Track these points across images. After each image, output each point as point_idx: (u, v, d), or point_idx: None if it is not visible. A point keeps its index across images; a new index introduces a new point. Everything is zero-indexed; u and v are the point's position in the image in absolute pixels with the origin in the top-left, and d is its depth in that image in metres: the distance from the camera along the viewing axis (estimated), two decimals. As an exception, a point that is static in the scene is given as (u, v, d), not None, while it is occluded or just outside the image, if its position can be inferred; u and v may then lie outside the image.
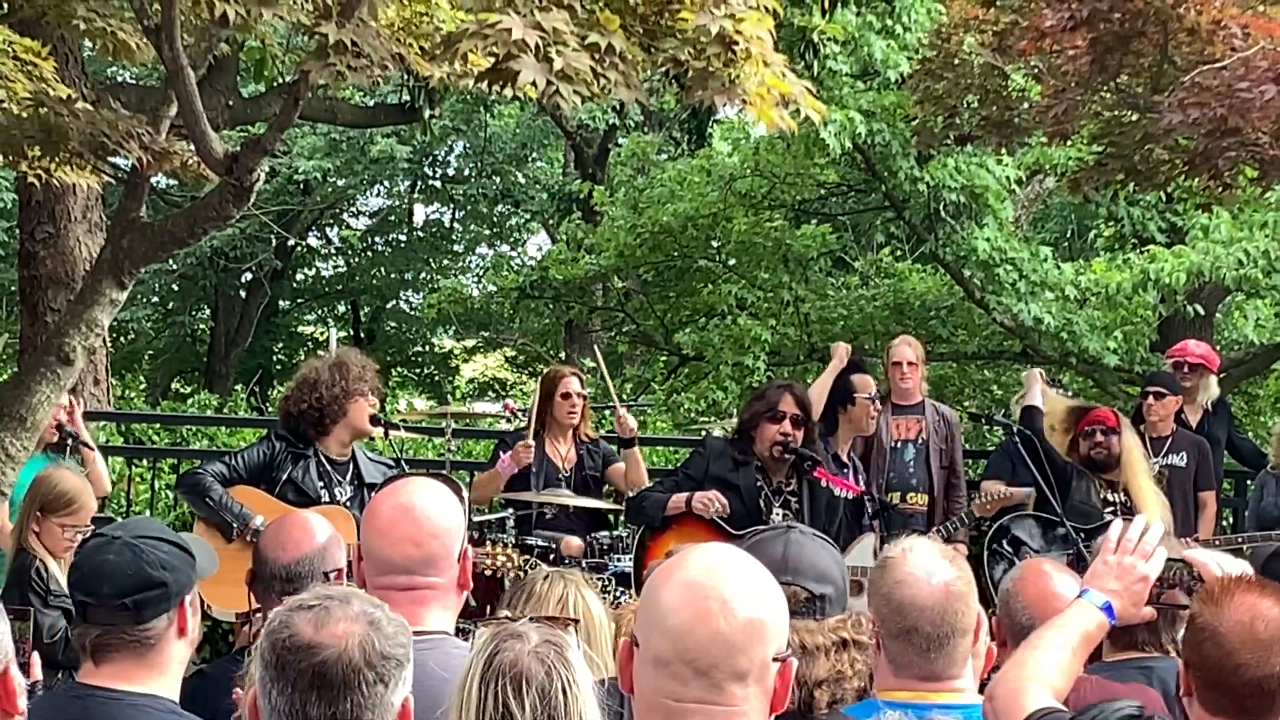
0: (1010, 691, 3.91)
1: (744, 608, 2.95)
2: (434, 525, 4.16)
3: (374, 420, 9.03)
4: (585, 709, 3.28)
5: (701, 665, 2.94)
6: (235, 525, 8.58)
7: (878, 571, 4.22)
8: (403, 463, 9.51)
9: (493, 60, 6.10)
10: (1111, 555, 4.16)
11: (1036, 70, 11.72)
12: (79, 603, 4.22)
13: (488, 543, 8.81)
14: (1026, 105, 11.95)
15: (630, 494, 9.72)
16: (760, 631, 2.96)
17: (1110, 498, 10.17)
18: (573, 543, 9.51)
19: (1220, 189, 11.10)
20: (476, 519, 9.61)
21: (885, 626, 4.12)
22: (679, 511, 9.17)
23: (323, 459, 8.80)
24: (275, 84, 14.70)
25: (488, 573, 8.49)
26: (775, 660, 2.99)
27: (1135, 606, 4.13)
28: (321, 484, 8.71)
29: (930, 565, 4.14)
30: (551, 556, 9.22)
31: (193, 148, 7.38)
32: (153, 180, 8.32)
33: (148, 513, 12.24)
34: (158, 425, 14.53)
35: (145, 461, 12.97)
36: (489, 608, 7.51)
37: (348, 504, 8.66)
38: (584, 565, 9.16)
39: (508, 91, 6.23)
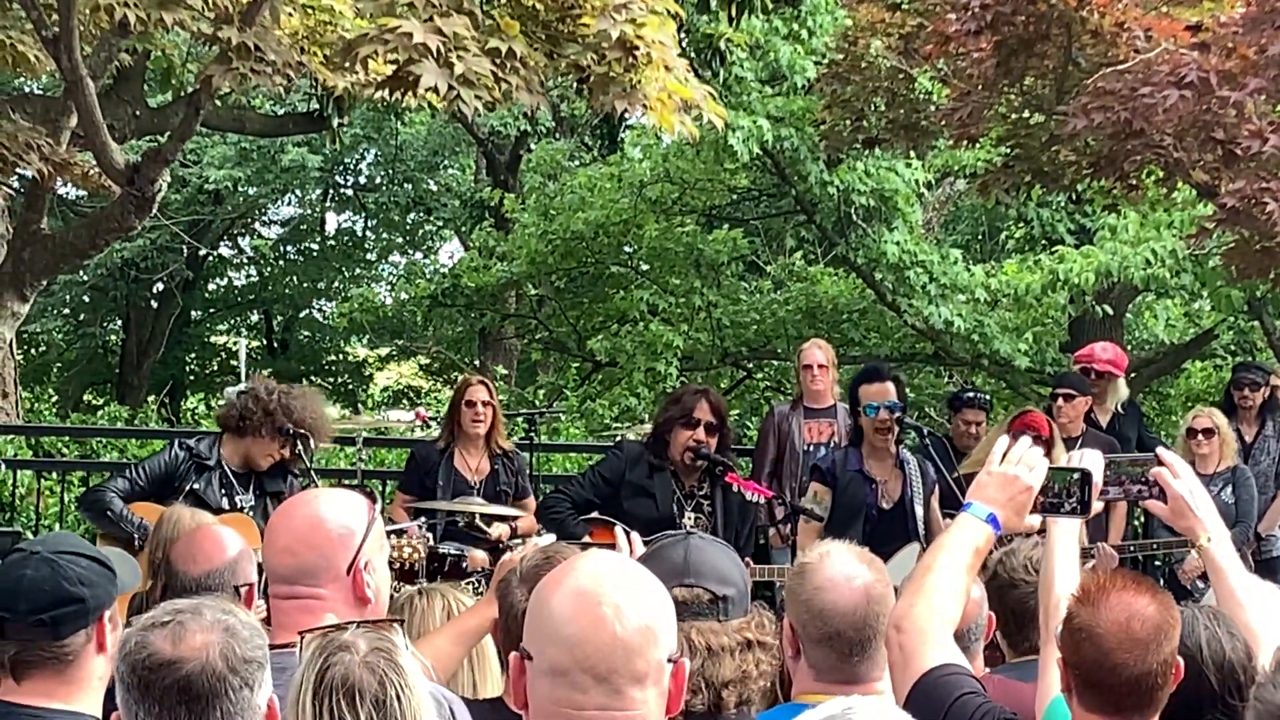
0: (918, 631, 3.92)
1: (637, 612, 2.94)
2: (316, 536, 4.08)
3: (283, 432, 8.89)
4: (420, 711, 3.27)
5: (601, 671, 2.93)
6: (136, 536, 8.43)
7: (796, 578, 4.21)
8: (312, 471, 9.42)
9: (394, 66, 6.08)
10: (996, 467, 4.17)
11: (942, 74, 11.78)
12: None
13: (393, 537, 8.78)
14: (933, 108, 12.01)
15: (546, 495, 9.69)
16: (654, 633, 2.96)
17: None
18: (477, 556, 9.45)
19: (1126, 190, 11.18)
20: (388, 529, 9.54)
21: (806, 632, 4.11)
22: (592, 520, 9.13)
23: (226, 470, 8.73)
24: (182, 94, 14.56)
25: (397, 565, 8.47)
26: (669, 661, 2.99)
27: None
28: (223, 493, 8.64)
29: (849, 569, 4.13)
30: (464, 565, 9.19)
31: (94, 159, 7.31)
32: (62, 191, 8.26)
33: (57, 526, 12.12)
34: (67, 438, 14.43)
35: (55, 474, 12.86)
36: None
37: (250, 512, 8.59)
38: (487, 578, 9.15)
39: (410, 99, 6.21)
